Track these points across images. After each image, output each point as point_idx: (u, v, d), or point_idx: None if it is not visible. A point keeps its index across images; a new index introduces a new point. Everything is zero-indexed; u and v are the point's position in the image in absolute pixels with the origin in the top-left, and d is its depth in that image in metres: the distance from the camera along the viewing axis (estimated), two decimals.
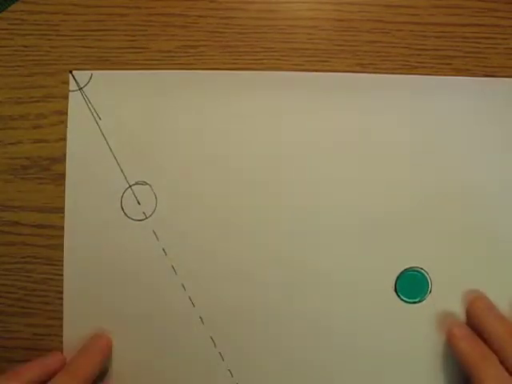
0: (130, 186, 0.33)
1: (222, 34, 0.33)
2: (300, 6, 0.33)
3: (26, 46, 0.34)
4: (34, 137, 0.34)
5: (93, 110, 0.33)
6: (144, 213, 0.33)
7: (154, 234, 0.33)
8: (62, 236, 0.33)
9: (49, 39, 0.34)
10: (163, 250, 0.33)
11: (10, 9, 0.34)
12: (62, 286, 0.33)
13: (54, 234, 0.33)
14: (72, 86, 0.33)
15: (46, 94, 0.34)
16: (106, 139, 0.33)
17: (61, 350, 0.33)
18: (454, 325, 0.31)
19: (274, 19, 0.33)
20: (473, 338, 0.30)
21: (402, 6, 0.33)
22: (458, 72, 0.33)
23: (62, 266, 0.33)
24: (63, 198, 0.33)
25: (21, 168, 0.34)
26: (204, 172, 0.33)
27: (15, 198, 0.34)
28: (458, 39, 0.33)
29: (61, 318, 0.33)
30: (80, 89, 0.33)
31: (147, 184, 0.33)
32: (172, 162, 0.33)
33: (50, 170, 0.34)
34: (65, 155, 0.33)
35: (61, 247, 0.33)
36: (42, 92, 0.34)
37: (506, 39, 0.33)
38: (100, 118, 0.33)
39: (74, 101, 0.33)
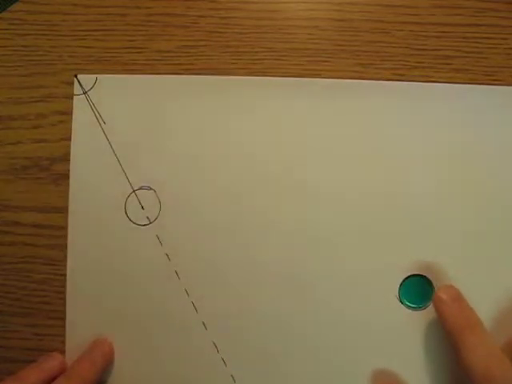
0: (134, 191, 0.33)
1: (221, 34, 0.33)
2: (300, 5, 0.33)
3: (25, 46, 0.34)
4: (34, 137, 0.34)
5: (97, 114, 0.33)
6: (148, 218, 0.33)
7: (158, 239, 0.33)
8: (62, 236, 0.33)
9: (49, 39, 0.34)
10: (166, 255, 0.32)
11: (10, 9, 0.34)
12: (62, 286, 0.33)
13: (54, 234, 0.33)
14: (77, 89, 0.33)
15: (46, 94, 0.34)
16: (110, 143, 0.33)
17: (61, 350, 0.33)
18: (441, 287, 0.29)
19: (274, 19, 0.33)
20: (459, 303, 0.28)
21: (403, 6, 0.33)
22: (457, 72, 0.33)
23: (62, 265, 0.33)
24: (63, 198, 0.33)
25: (21, 168, 0.34)
26: (208, 177, 0.33)
27: (15, 197, 0.34)
28: (458, 39, 0.33)
29: (61, 318, 0.33)
30: (85, 93, 0.33)
31: (151, 189, 0.33)
32: (176, 167, 0.33)
33: (50, 170, 0.34)
34: (65, 155, 0.33)
35: (61, 247, 0.33)
36: (41, 92, 0.34)
37: (505, 39, 0.33)
38: (104, 122, 0.33)
39: (79, 105, 0.33)
